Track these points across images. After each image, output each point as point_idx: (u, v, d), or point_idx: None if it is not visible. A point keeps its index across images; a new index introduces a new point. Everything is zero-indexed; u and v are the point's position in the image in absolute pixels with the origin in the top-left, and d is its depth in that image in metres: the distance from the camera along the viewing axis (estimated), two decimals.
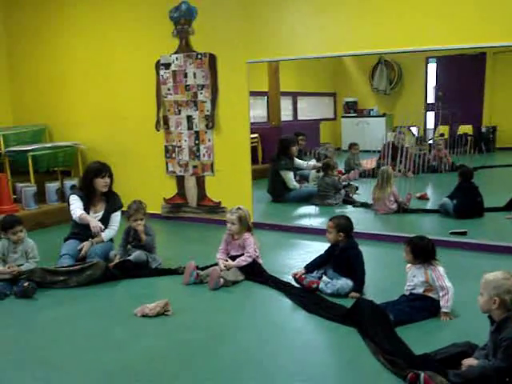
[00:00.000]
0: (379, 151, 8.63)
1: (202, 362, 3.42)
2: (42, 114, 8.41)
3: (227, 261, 4.94)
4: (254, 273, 4.93)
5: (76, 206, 5.53)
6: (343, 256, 4.51)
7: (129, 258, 5.19)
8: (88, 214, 5.55)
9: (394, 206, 7.06)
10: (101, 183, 5.54)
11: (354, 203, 7.63)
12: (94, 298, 4.65)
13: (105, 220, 5.61)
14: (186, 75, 7.05)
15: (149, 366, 3.40)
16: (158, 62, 7.23)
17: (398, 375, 3.08)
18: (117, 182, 6.85)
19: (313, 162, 8.75)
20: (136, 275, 5.08)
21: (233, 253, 5.08)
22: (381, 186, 7.11)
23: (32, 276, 4.78)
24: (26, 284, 4.66)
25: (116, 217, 5.70)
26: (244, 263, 4.92)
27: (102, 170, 5.56)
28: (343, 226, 4.53)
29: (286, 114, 9.69)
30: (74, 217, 5.51)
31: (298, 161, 8.54)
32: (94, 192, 5.59)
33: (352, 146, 9.14)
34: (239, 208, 5.05)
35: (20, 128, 8.23)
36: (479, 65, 8.64)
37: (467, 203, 6.62)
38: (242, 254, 4.98)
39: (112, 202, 5.68)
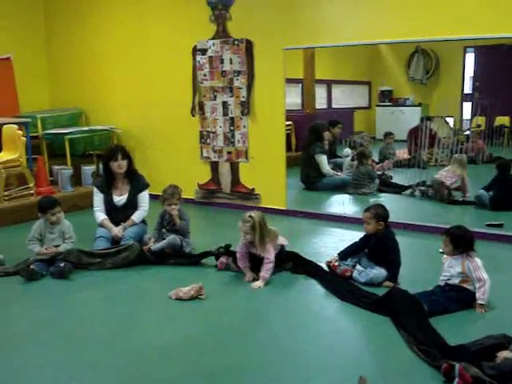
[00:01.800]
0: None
1: (234, 347, 3.45)
2: (79, 98, 8.52)
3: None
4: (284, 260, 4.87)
5: (98, 208, 5.61)
6: (380, 245, 4.48)
7: (163, 242, 5.22)
8: (112, 198, 5.60)
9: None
10: (115, 166, 5.54)
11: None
12: (129, 280, 4.71)
13: (131, 202, 5.63)
14: (222, 61, 7.05)
15: (182, 349, 3.43)
16: (195, 47, 7.23)
17: (432, 366, 3.06)
18: (151, 166, 6.94)
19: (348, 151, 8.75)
20: (171, 263, 5.06)
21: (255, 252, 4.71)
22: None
23: (68, 257, 4.85)
24: (62, 265, 4.74)
25: (144, 197, 5.70)
26: (269, 273, 4.60)
27: (115, 152, 5.56)
28: (381, 214, 4.48)
29: (320, 102, 9.66)
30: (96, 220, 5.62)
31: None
32: (113, 175, 5.62)
33: (387, 135, 9.09)
34: (250, 216, 4.55)
35: (57, 111, 8.36)
36: None
37: (504, 195, 6.54)
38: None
39: (136, 183, 5.69)
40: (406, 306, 3.73)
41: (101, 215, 5.57)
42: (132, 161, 5.70)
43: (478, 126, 9.08)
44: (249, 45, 6.83)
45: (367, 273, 4.40)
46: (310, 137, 8.29)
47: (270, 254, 4.58)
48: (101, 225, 5.54)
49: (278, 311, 4.04)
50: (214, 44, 7.06)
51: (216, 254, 4.98)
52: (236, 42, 6.89)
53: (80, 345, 3.51)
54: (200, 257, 5.10)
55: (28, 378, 3.11)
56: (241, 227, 4.58)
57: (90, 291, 4.49)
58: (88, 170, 7.67)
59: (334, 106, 10.17)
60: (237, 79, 6.98)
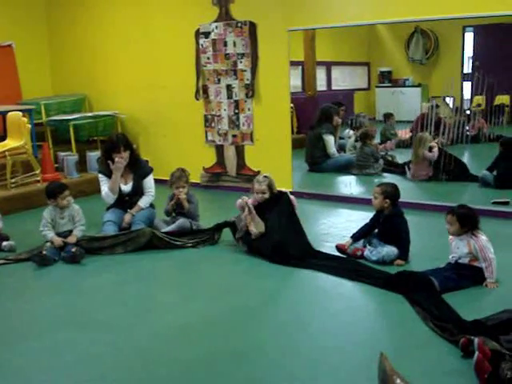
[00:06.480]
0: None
1: (250, 327, 3.51)
2: (82, 84, 8.50)
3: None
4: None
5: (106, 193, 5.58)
6: (388, 224, 4.53)
7: (173, 225, 5.27)
8: (119, 186, 5.57)
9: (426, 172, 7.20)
10: (118, 158, 5.42)
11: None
12: (141, 264, 4.75)
13: (137, 188, 5.62)
14: (225, 44, 7.04)
15: (200, 330, 3.48)
16: (198, 30, 7.21)
17: (449, 341, 3.10)
18: (156, 150, 6.95)
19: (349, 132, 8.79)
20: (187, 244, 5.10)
21: None
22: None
23: (80, 242, 4.89)
24: (74, 249, 4.76)
25: (149, 182, 5.68)
26: None
27: (117, 145, 5.44)
28: (390, 192, 4.53)
29: (320, 84, 9.64)
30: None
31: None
32: None
33: (387, 116, 9.11)
34: (265, 176, 4.95)
35: (60, 97, 8.34)
36: None
37: (509, 173, 6.56)
38: None
39: (139, 169, 5.66)
40: (416, 285, 3.78)
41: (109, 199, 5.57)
42: (133, 149, 5.67)
43: (479, 105, 9.08)
44: (252, 27, 6.81)
45: (379, 251, 4.44)
46: (319, 117, 8.32)
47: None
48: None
49: (292, 290, 4.10)
50: (217, 27, 7.05)
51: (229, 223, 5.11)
52: (239, 25, 6.87)
53: (98, 328, 3.55)
54: (216, 229, 5.19)
55: (48, 361, 3.14)
56: (257, 188, 4.88)
57: (103, 275, 4.52)
58: (93, 155, 7.66)
59: (333, 87, 10.15)
60: (241, 62, 6.98)
